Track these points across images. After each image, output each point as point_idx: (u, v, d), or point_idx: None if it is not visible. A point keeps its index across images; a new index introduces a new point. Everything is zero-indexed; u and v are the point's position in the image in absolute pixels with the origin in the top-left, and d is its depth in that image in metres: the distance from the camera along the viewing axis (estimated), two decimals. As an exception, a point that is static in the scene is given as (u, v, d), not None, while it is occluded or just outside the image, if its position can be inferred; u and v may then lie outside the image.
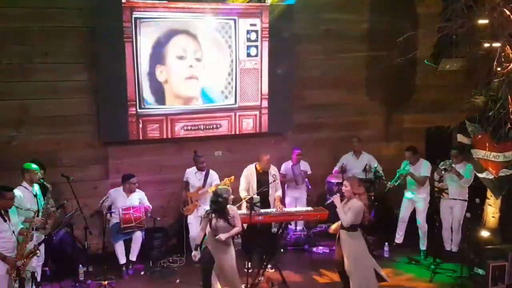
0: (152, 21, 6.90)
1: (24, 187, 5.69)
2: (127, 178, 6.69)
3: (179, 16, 7.03)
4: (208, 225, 5.32)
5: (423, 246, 7.13)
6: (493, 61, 5.94)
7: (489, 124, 6.11)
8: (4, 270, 5.02)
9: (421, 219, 7.10)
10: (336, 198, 5.40)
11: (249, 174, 6.66)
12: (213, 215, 5.28)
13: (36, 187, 5.83)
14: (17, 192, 5.43)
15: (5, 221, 5.11)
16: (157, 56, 7.00)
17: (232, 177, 6.58)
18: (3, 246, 5.07)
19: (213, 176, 6.90)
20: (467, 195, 6.91)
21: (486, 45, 6.10)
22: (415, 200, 7.13)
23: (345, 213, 5.31)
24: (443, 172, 6.68)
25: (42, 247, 5.70)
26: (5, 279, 5.03)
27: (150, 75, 7.02)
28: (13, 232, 5.18)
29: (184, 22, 7.05)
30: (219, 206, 5.26)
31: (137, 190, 6.84)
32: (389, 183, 7.03)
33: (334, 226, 5.60)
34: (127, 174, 6.76)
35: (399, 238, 7.36)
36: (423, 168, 7.07)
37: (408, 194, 7.21)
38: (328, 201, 5.66)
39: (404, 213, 7.27)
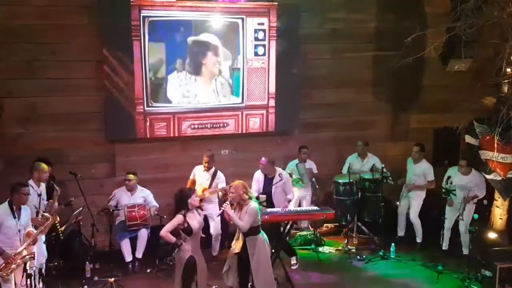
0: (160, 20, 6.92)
1: (30, 185, 5.64)
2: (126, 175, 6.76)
3: (187, 14, 7.03)
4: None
5: (419, 239, 7.36)
6: (502, 62, 5.91)
7: (497, 125, 6.06)
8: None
9: (414, 214, 7.29)
10: (227, 207, 5.19)
11: (258, 178, 6.65)
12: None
13: (42, 186, 5.84)
14: None
15: (14, 217, 5.08)
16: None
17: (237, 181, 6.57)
18: (5, 241, 5.01)
19: (220, 177, 6.87)
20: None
21: (495, 45, 6.08)
22: (411, 196, 7.31)
23: (241, 219, 5.16)
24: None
25: (43, 245, 5.71)
26: None
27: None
28: (19, 230, 5.12)
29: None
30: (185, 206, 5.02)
31: (142, 188, 6.87)
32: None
33: (237, 245, 5.31)
34: (128, 171, 6.81)
35: (400, 231, 7.53)
36: (428, 172, 7.25)
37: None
38: (219, 212, 5.35)
39: (403, 206, 7.43)
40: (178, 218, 4.95)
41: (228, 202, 5.22)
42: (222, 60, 7.29)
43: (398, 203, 7.21)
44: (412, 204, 7.33)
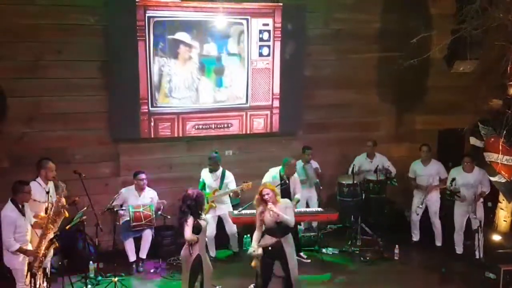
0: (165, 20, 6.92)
1: (38, 182, 5.71)
2: (135, 175, 6.76)
3: (192, 15, 7.04)
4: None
5: (439, 242, 7.27)
6: (507, 63, 5.90)
7: (502, 127, 6.04)
8: (25, 263, 5.10)
9: (434, 214, 7.21)
10: (273, 207, 5.18)
11: (273, 181, 6.55)
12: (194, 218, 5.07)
13: (51, 184, 5.86)
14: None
15: (23, 215, 5.19)
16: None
17: (250, 183, 6.59)
18: (19, 239, 5.15)
19: (229, 177, 6.88)
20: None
21: (501, 47, 6.06)
22: (427, 198, 7.18)
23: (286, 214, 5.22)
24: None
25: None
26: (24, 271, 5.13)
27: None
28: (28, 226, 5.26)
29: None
30: (194, 209, 5.08)
31: (149, 188, 6.87)
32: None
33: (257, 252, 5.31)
34: (136, 171, 6.81)
35: (414, 236, 7.47)
36: (442, 170, 7.21)
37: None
38: (277, 218, 5.19)
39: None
40: (191, 219, 5.03)
41: (271, 203, 5.23)
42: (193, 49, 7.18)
43: (416, 214, 7.16)
44: (430, 205, 7.23)
